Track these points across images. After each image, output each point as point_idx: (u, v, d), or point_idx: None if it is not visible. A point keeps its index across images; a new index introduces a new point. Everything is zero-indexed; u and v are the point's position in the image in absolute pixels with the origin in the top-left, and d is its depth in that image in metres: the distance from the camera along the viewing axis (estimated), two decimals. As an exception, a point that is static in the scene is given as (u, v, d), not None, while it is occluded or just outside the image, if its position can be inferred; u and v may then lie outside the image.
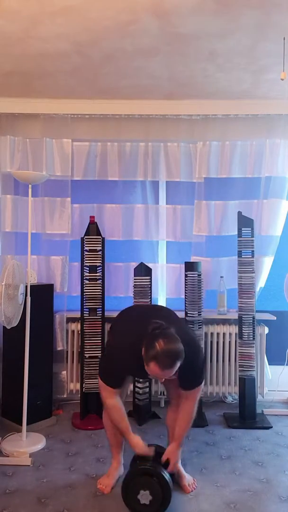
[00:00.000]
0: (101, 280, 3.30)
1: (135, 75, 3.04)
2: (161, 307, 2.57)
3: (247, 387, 3.26)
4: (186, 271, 3.32)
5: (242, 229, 3.31)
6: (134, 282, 3.36)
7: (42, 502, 2.25)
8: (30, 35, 2.50)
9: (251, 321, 3.28)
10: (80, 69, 2.94)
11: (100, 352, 3.24)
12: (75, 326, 3.52)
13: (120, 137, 3.58)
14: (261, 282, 3.53)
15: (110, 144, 3.61)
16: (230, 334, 3.54)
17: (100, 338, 3.26)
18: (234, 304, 3.47)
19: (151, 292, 3.35)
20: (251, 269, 3.29)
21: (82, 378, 3.25)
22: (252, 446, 2.88)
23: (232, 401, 3.64)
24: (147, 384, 3.31)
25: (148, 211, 3.63)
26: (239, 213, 3.35)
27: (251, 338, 3.28)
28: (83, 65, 2.88)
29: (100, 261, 3.30)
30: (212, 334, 3.53)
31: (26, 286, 2.87)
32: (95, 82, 3.16)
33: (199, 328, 3.28)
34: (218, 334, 3.53)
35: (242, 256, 3.31)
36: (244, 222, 3.32)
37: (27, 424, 2.90)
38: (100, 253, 3.31)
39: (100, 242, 3.31)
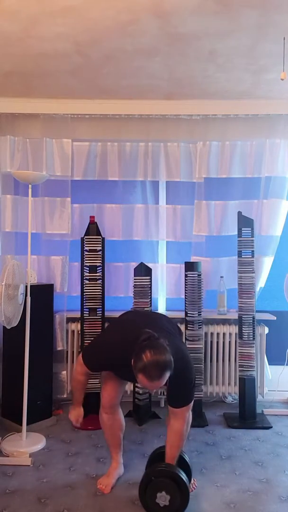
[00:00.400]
0: (101, 280, 3.30)
1: (135, 75, 3.04)
2: (161, 315, 2.43)
3: (247, 387, 3.26)
4: (186, 271, 3.32)
5: (242, 229, 3.32)
6: (134, 282, 3.36)
7: (42, 502, 2.25)
8: (30, 35, 2.50)
9: (251, 321, 3.28)
10: (80, 69, 2.94)
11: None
12: (75, 326, 3.52)
13: (120, 137, 3.58)
14: (261, 282, 3.53)
15: (110, 144, 3.61)
16: (230, 334, 3.54)
17: (100, 338, 3.26)
18: (234, 304, 3.47)
19: (151, 292, 3.35)
20: (251, 269, 3.29)
21: (82, 378, 3.25)
22: (252, 446, 2.88)
23: (232, 401, 3.64)
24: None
25: (148, 211, 3.63)
26: (239, 213, 3.35)
27: (251, 338, 3.28)
28: (83, 65, 2.88)
29: (100, 261, 3.30)
30: (212, 334, 3.53)
31: (26, 286, 2.87)
32: (95, 82, 3.16)
33: (199, 328, 3.29)
34: (218, 334, 3.53)
35: (242, 256, 3.31)
36: (244, 222, 3.32)
37: (27, 424, 2.90)
38: (100, 253, 3.31)
39: (100, 242, 3.31)
